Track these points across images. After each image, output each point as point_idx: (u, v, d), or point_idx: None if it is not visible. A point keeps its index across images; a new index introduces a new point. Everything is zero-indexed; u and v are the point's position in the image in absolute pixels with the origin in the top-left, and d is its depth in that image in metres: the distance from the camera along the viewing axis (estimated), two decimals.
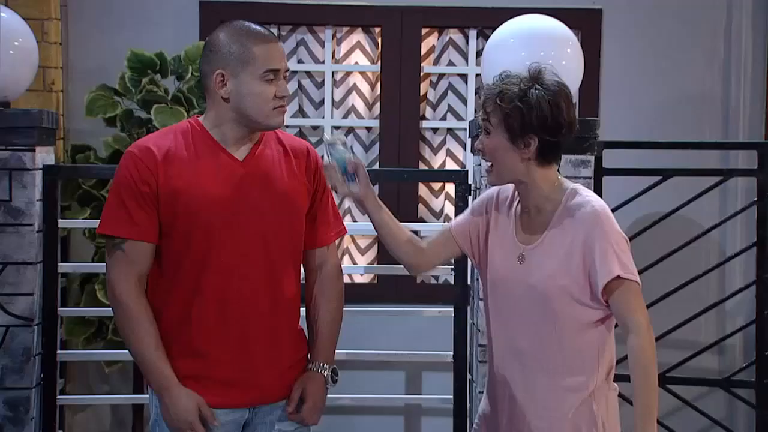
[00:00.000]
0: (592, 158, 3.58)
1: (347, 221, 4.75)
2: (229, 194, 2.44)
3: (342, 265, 4.88)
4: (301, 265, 2.61)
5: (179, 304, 2.45)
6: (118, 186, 2.45)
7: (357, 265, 4.73)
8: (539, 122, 2.32)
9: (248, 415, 2.51)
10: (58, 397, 3.63)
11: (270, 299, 2.48)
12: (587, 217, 2.34)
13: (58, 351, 3.62)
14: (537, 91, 2.32)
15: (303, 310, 2.63)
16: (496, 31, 3.68)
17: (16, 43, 3.52)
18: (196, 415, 2.41)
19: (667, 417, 4.15)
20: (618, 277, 2.30)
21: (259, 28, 2.47)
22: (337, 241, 2.72)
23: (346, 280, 4.74)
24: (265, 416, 2.52)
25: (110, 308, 3.83)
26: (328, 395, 4.20)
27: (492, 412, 2.47)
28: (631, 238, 3.89)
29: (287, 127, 4.72)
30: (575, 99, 4.54)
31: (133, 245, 2.42)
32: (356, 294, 4.60)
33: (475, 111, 2.47)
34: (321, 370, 2.56)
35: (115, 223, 2.43)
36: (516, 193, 2.48)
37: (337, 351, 4.01)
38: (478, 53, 4.63)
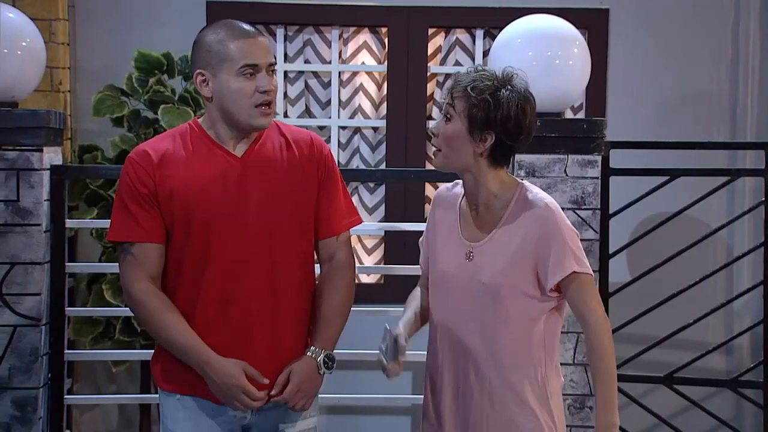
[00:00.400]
0: (599, 158, 3.57)
1: None
2: (227, 191, 2.44)
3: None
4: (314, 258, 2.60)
5: (182, 305, 2.45)
6: (120, 192, 2.48)
7: (364, 265, 4.73)
8: (502, 121, 2.34)
9: (250, 416, 2.50)
10: (65, 396, 3.63)
11: (273, 298, 2.47)
12: (540, 214, 2.36)
13: (66, 351, 3.62)
14: (508, 92, 2.35)
15: None
16: (503, 31, 3.68)
17: (23, 44, 3.53)
18: (243, 377, 2.39)
19: (674, 417, 4.14)
20: (574, 272, 2.33)
21: (240, 24, 2.48)
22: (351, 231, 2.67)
23: None
24: (268, 416, 2.51)
25: (117, 308, 3.89)
26: (337, 395, 4.21)
27: (438, 414, 2.46)
28: (638, 239, 3.94)
29: None
30: (582, 99, 4.58)
31: (141, 248, 2.44)
32: (363, 294, 4.59)
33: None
34: (313, 354, 2.49)
35: (121, 229, 2.46)
36: (458, 190, 2.50)
37: (343, 351, 4.00)
38: (485, 53, 4.63)
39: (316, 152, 2.54)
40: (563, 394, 3.48)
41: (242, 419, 2.50)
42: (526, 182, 2.45)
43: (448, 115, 2.39)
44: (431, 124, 2.48)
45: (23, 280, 3.44)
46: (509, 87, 2.36)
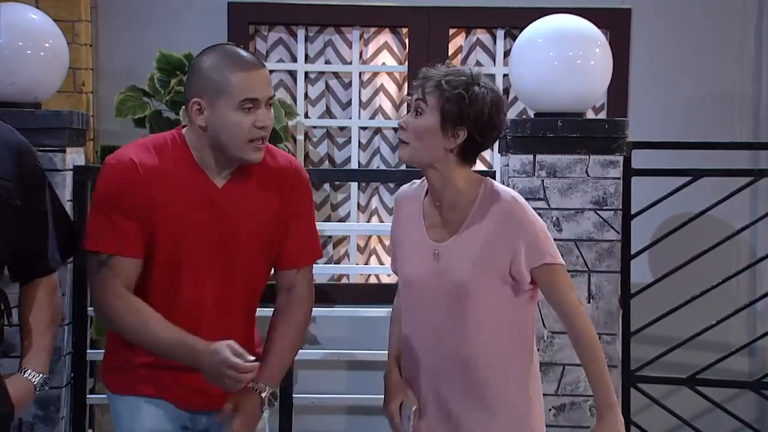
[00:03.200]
0: (620, 158, 3.56)
1: (374, 221, 4.76)
2: (205, 220, 2.39)
3: (368, 265, 4.89)
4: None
5: None
6: (100, 200, 2.39)
7: (384, 266, 4.73)
8: (476, 117, 2.32)
9: (206, 421, 2.49)
10: (87, 396, 3.66)
11: (226, 331, 2.41)
12: (507, 208, 2.34)
13: (88, 350, 3.64)
14: (481, 89, 2.33)
15: None
16: (524, 31, 3.67)
17: (47, 45, 3.55)
18: (230, 355, 2.30)
19: (697, 419, 4.11)
20: (545, 263, 2.32)
21: (242, 53, 2.39)
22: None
23: (373, 280, 4.78)
24: (218, 423, 2.49)
25: None
26: (356, 395, 4.20)
27: (421, 416, 2.44)
28: (659, 239, 3.92)
29: (314, 127, 4.73)
30: (603, 99, 4.56)
31: (121, 261, 2.36)
32: (384, 295, 4.61)
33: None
34: (259, 391, 2.45)
35: (103, 239, 2.37)
36: (419, 188, 2.48)
37: (363, 352, 3.99)
38: (506, 53, 4.62)
39: (296, 183, 2.50)
40: (587, 396, 3.48)
41: (199, 424, 2.49)
42: (489, 179, 2.42)
43: (419, 110, 2.35)
44: (401, 118, 2.43)
45: None
46: (482, 84, 2.34)
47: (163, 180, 2.37)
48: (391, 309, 3.94)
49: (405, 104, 4.71)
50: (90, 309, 3.64)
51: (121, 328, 2.41)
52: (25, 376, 2.35)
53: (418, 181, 2.50)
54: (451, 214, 2.39)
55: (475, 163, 2.43)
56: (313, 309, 2.60)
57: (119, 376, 2.49)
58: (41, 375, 2.37)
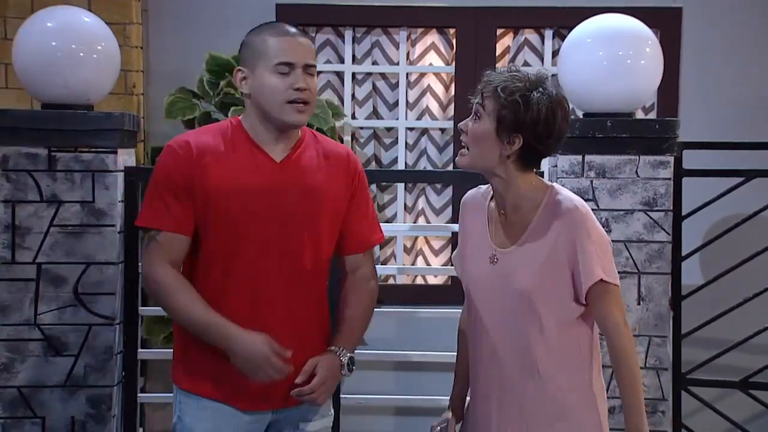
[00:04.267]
0: (671, 159, 3.52)
1: (421, 222, 4.75)
2: (265, 194, 2.46)
3: (416, 266, 4.90)
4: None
5: (209, 302, 2.46)
6: (156, 179, 2.50)
7: (431, 267, 4.73)
8: (531, 123, 2.29)
9: (271, 417, 2.53)
10: (138, 395, 3.69)
11: (294, 304, 2.49)
12: (571, 217, 2.31)
13: (139, 350, 3.68)
14: (539, 95, 2.30)
15: None
16: (573, 31, 3.64)
17: (99, 47, 3.59)
18: (270, 349, 2.39)
19: (750, 422, 4.06)
20: (600, 280, 2.29)
21: (285, 25, 2.53)
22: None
23: (420, 281, 4.78)
24: (290, 417, 2.54)
25: None
26: (403, 396, 4.20)
27: (481, 422, 2.43)
28: (711, 241, 3.87)
29: (361, 128, 4.74)
30: (654, 99, 4.51)
31: (168, 237, 2.46)
32: (429, 296, 4.61)
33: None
34: (339, 354, 2.52)
35: (152, 216, 2.48)
36: (486, 192, 2.47)
37: (409, 352, 4.00)
38: (554, 53, 4.59)
39: (351, 168, 2.58)
40: None
41: (263, 421, 2.52)
42: (556, 185, 2.40)
43: (478, 114, 2.35)
44: (461, 122, 2.45)
45: (98, 279, 3.50)
46: (541, 89, 2.31)
47: (219, 158, 2.46)
48: (437, 310, 3.95)
49: (452, 105, 4.71)
50: (141, 309, 3.69)
51: (161, 301, 2.49)
52: None
53: (484, 186, 2.50)
54: (514, 219, 2.38)
55: (538, 168, 2.41)
56: None
57: (187, 373, 2.55)
58: None
